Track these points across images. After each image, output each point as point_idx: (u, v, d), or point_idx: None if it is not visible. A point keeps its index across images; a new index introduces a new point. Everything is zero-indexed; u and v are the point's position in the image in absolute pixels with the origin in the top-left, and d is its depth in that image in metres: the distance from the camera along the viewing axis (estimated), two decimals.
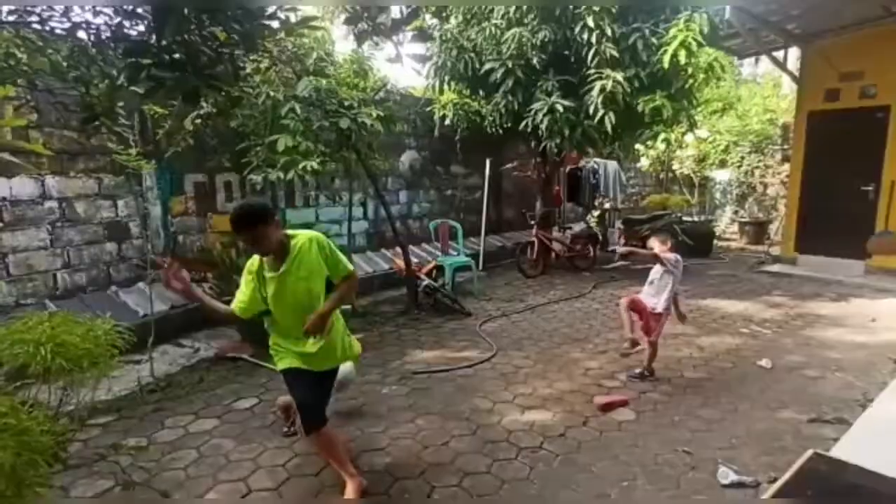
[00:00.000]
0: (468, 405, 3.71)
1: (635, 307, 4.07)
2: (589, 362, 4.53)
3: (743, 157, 12.49)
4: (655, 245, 4.11)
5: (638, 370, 4.17)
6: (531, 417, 3.52)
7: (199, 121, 4.88)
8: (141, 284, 5.29)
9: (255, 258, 2.60)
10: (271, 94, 4.37)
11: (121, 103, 2.23)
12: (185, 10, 1.46)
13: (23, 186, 4.58)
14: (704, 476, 2.85)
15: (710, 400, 3.79)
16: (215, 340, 5.17)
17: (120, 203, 5.27)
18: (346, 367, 3.18)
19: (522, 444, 3.17)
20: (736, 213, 12.86)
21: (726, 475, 2.82)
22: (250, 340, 5.03)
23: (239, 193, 6.23)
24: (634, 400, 3.78)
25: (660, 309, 4.03)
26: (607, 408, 3.62)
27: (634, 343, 4.01)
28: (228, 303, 2.69)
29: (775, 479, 2.82)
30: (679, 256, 4.08)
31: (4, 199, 4.48)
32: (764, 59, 10.35)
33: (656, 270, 4.11)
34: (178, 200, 5.74)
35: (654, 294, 4.07)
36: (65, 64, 1.95)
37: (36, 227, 4.69)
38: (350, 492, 2.61)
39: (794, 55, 9.28)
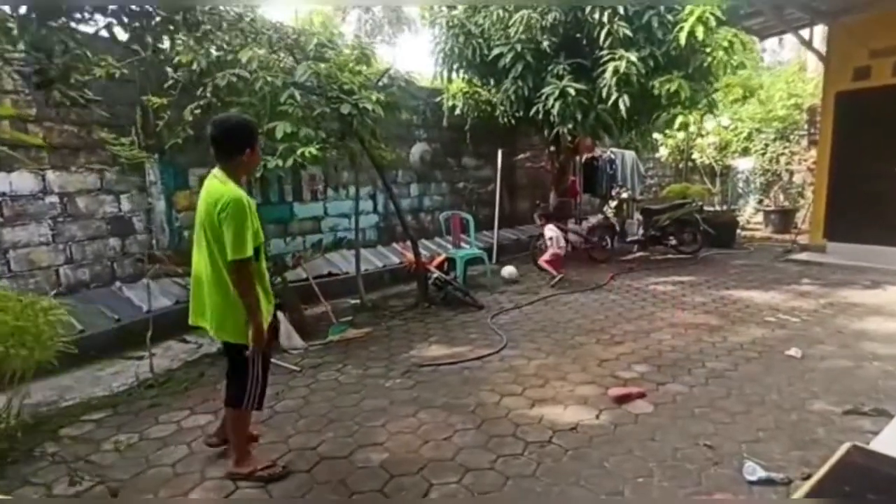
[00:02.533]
0: (474, 398, 3.51)
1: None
2: (604, 353, 4.29)
3: (767, 145, 12.03)
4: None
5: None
6: (540, 411, 3.31)
7: (198, 111, 4.77)
8: (145, 280, 5.21)
9: (244, 195, 2.47)
10: (269, 79, 4.23)
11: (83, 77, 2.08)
12: None
13: (23, 181, 4.53)
14: (728, 472, 2.61)
15: (734, 391, 3.53)
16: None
17: (123, 198, 5.21)
18: None
19: (530, 438, 2.97)
20: (760, 202, 12.40)
21: (753, 470, 2.57)
22: None
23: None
24: (652, 391, 3.53)
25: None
26: (622, 399, 3.39)
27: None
28: None
29: (809, 476, 2.57)
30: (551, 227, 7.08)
31: (4, 194, 4.43)
32: (788, 44, 9.94)
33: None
34: (183, 195, 5.66)
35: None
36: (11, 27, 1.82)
37: (37, 223, 4.64)
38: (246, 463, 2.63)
39: (820, 34, 8.86)
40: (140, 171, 5.28)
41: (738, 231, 10.14)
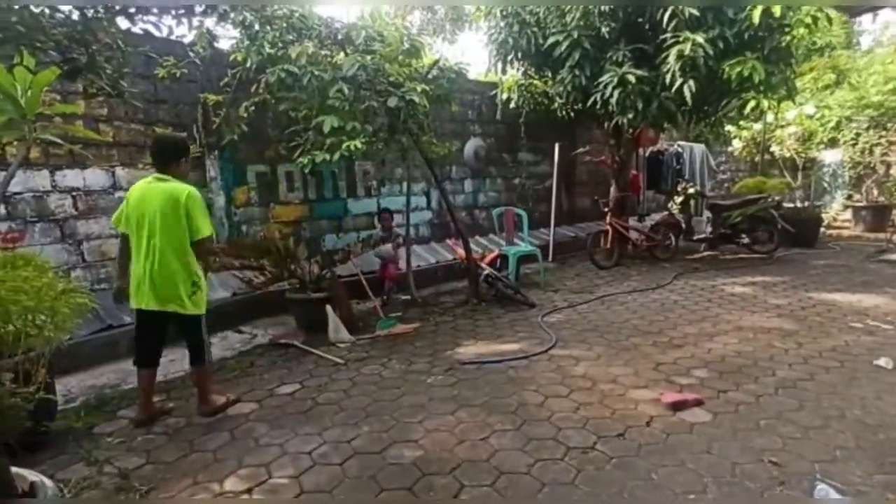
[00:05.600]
0: (517, 398, 3.37)
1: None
2: (660, 356, 4.01)
3: (858, 134, 10.90)
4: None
5: None
6: (586, 414, 3.11)
7: (252, 108, 4.91)
8: (211, 274, 5.42)
9: None
10: (316, 73, 4.26)
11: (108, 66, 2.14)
12: None
13: (95, 177, 4.84)
14: (796, 493, 2.32)
15: (808, 402, 3.17)
16: (273, 328, 5.20)
17: None
18: None
19: (572, 443, 2.79)
20: (849, 197, 11.29)
21: (826, 493, 2.27)
22: (304, 328, 5.02)
23: (300, 183, 6.28)
24: (711, 399, 3.24)
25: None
26: (677, 406, 3.12)
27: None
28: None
29: None
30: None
31: (79, 189, 4.75)
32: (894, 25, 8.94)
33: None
34: (242, 191, 5.86)
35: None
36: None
37: (108, 216, 4.93)
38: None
39: None
40: (201, 168, 5.50)
41: (822, 229, 9.28)
